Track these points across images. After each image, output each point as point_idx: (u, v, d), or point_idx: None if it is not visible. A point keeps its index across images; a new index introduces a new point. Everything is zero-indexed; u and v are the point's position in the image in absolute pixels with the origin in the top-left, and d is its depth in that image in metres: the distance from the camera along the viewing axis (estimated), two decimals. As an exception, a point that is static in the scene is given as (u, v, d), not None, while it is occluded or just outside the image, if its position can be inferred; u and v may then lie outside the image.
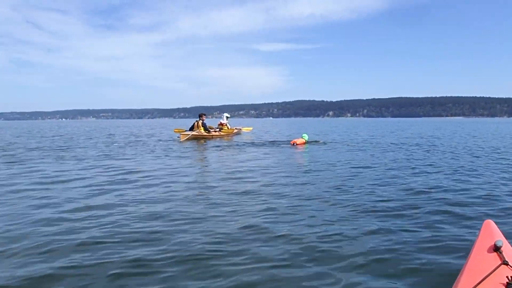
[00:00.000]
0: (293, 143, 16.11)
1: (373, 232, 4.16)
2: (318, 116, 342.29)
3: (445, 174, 8.23)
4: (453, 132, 28.84)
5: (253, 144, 17.19)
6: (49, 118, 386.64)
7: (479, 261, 2.10)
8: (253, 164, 10.28)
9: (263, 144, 16.93)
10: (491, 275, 1.91)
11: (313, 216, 4.79)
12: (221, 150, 14.59)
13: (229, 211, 5.15)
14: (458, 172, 8.49)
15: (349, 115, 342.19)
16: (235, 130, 24.81)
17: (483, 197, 5.92)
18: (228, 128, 23.70)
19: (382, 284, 2.99)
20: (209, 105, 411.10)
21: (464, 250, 3.42)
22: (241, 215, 4.90)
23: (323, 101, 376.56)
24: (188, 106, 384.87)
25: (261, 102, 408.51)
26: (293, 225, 4.44)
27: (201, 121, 20.73)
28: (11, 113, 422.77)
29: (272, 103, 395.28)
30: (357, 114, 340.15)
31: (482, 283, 1.87)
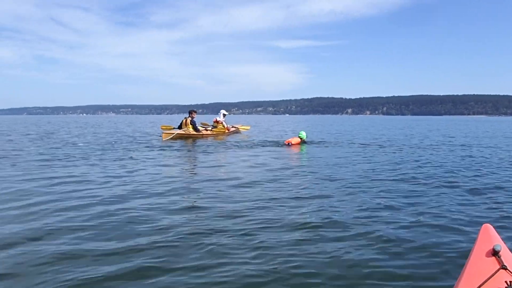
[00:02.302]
0: (288, 143, 14.42)
1: (367, 236, 4.06)
2: (336, 113, 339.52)
3: (441, 177, 7.90)
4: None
5: (244, 145, 14.89)
6: (71, 113, 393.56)
7: (478, 266, 2.10)
8: (230, 175, 7.93)
9: (255, 145, 14.83)
10: (490, 280, 1.91)
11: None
12: (204, 153, 12.17)
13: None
14: (455, 175, 8.14)
15: (368, 112, 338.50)
16: (232, 129, 22.39)
17: (482, 200, 5.77)
18: (223, 126, 21.21)
19: None
20: (227, 101, 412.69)
21: (463, 255, 3.38)
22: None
23: (342, 98, 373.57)
24: (206, 103, 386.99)
25: (279, 99, 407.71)
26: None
27: (190, 118, 18.11)
28: (34, 107, 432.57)
29: (290, 100, 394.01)
30: (376, 112, 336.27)
31: None
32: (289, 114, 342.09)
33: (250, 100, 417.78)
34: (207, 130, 19.56)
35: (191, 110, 18.52)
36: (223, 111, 22.11)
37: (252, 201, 5.56)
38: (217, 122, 21.28)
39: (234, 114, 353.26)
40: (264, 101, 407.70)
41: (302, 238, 3.97)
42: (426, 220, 4.66)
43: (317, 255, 3.52)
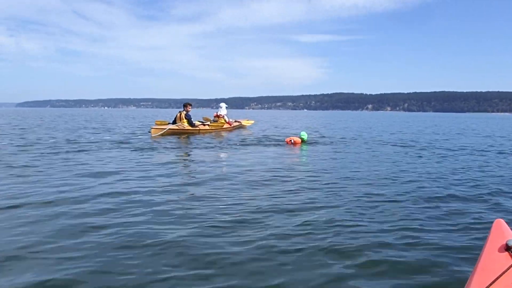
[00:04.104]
0: (290, 141, 13.07)
1: (377, 232, 3.96)
2: (356, 109, 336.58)
3: (454, 170, 7.75)
4: None
5: (241, 142, 13.31)
6: (92, 106, 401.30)
7: (491, 261, 2.10)
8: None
9: (253, 143, 13.32)
10: (504, 275, 1.92)
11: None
12: (194, 150, 10.93)
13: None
14: (466, 168, 8.03)
15: (388, 108, 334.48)
16: (234, 124, 20.64)
17: (494, 195, 5.66)
18: (225, 120, 19.52)
19: (388, 285, 2.90)
20: (246, 96, 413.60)
21: (476, 250, 3.36)
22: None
23: (362, 94, 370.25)
24: (226, 97, 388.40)
25: (299, 94, 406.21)
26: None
27: (184, 112, 16.47)
28: (57, 100, 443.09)
29: (310, 95, 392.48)
30: (397, 108, 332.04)
31: (494, 283, 1.88)
32: (308, 109, 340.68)
33: (270, 95, 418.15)
34: (204, 125, 17.66)
35: (186, 103, 16.79)
36: (223, 104, 20.26)
37: (236, 208, 4.72)
38: (218, 116, 19.71)
39: (253, 109, 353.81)
40: (283, 96, 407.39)
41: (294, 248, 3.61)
42: (437, 214, 4.59)
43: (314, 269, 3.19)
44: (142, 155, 9.50)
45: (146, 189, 5.68)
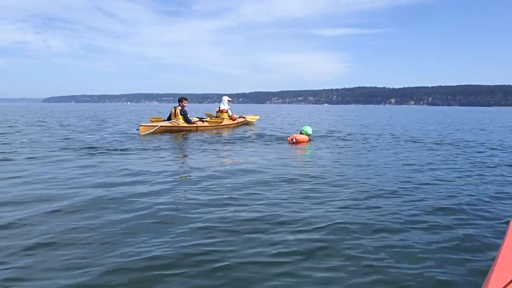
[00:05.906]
0: (292, 139, 11.73)
1: (392, 232, 3.85)
2: (379, 103, 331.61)
3: (468, 169, 7.46)
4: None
5: (240, 140, 12.03)
6: (116, 101, 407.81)
7: (509, 260, 2.06)
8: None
9: (254, 141, 12.00)
10: None
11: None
12: (183, 151, 9.75)
13: None
14: (482, 167, 7.68)
15: (412, 102, 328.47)
16: (239, 119, 18.76)
17: (509, 193, 5.44)
18: (228, 115, 17.70)
19: (407, 281, 2.85)
20: (267, 90, 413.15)
21: (494, 249, 3.29)
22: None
23: (385, 88, 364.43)
24: (247, 92, 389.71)
25: (321, 89, 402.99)
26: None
27: (180, 107, 14.84)
28: (81, 96, 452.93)
29: (331, 90, 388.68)
30: (421, 102, 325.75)
31: None
32: (330, 103, 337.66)
33: (291, 89, 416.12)
34: (203, 121, 15.82)
35: (181, 98, 15.08)
36: (226, 98, 18.34)
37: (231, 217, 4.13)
38: (220, 111, 17.84)
39: (274, 103, 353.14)
40: (304, 91, 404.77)
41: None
42: (453, 214, 4.44)
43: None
44: (108, 159, 7.91)
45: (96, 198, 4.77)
